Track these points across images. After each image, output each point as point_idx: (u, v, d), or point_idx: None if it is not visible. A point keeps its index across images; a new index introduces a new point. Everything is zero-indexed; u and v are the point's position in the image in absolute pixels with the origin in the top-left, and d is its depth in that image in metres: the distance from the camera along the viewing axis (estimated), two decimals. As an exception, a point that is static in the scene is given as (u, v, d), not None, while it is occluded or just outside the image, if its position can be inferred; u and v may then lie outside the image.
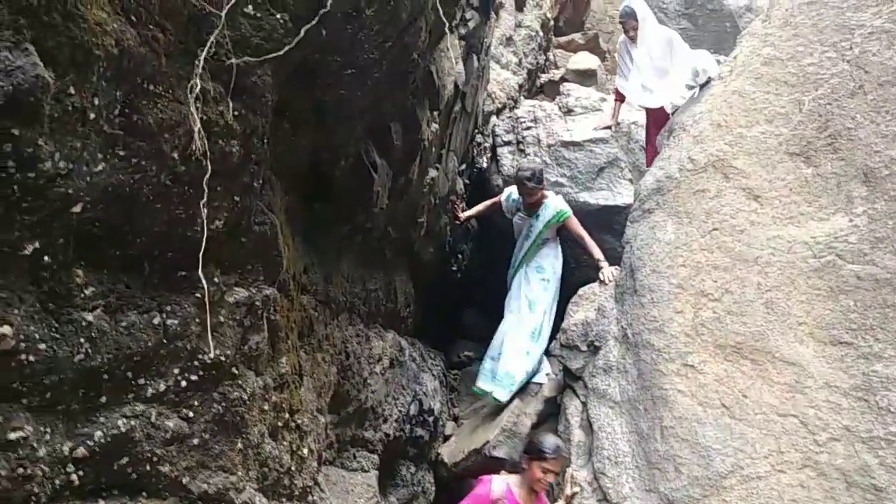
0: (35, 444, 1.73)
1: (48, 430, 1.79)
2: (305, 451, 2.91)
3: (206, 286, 2.05)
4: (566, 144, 6.98)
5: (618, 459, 4.09)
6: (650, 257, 4.29)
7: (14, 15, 1.43)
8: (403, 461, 5.24)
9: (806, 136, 3.98)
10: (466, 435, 6.01)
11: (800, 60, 4.26)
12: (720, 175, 4.20)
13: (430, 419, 5.64)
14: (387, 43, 2.84)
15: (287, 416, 2.76)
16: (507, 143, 7.30)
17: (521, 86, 8.90)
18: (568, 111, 7.37)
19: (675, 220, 4.28)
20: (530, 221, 5.85)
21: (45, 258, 1.70)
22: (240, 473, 2.38)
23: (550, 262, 5.84)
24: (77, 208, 1.72)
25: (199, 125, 1.84)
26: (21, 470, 1.68)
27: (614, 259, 5.19)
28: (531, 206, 5.79)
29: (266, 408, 2.58)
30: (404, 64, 3.18)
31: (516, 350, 5.57)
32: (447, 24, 3.70)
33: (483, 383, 5.71)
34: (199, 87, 1.85)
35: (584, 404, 4.64)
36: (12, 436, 1.67)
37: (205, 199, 1.97)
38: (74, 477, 1.88)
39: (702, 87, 5.17)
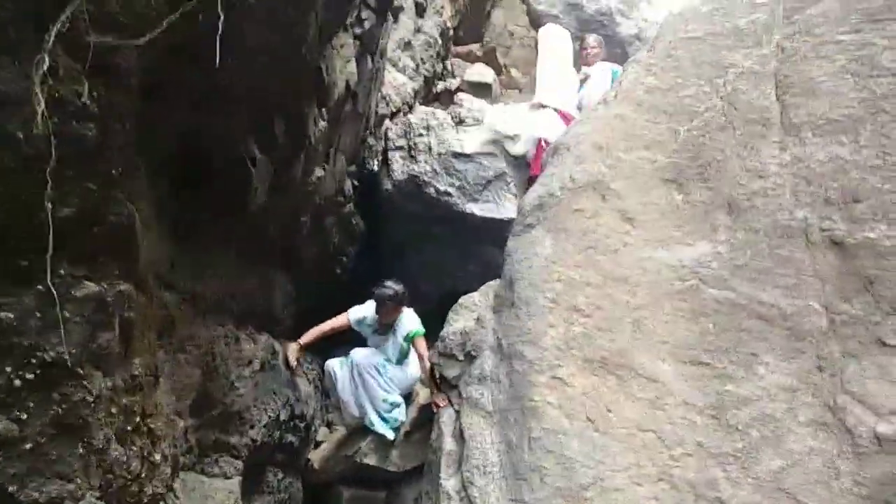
0: None
1: None
2: (158, 456, 2.74)
3: (49, 276, 1.86)
4: (457, 155, 7.04)
5: (487, 469, 4.12)
6: (528, 271, 4.37)
7: None
8: (271, 467, 5.08)
9: (679, 164, 4.19)
10: (338, 441, 5.92)
11: (678, 92, 4.48)
12: (598, 196, 4.33)
13: (302, 425, 5.51)
14: (272, 34, 2.73)
15: (138, 419, 2.59)
16: (399, 148, 7.29)
17: (416, 91, 8.90)
18: (460, 121, 7.44)
19: (553, 237, 4.38)
20: (387, 338, 5.88)
21: None
22: (79, 481, 2.19)
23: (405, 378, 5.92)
24: None
25: (42, 104, 1.68)
26: None
27: (498, 271, 5.26)
28: (385, 324, 5.83)
29: (114, 410, 2.40)
30: (291, 57, 3.07)
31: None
32: (341, 22, 3.62)
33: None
34: (47, 63, 1.68)
35: (458, 413, 4.66)
36: None
37: (49, 184, 1.80)
38: None
39: None
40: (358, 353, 5.75)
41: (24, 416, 2.05)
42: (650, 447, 3.52)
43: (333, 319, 5.89)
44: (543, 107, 7.22)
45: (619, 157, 4.41)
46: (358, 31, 4.80)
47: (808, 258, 3.45)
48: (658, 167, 4.25)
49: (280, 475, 5.22)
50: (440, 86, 10.30)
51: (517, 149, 7.14)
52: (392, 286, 5.72)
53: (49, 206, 1.90)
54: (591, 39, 8.07)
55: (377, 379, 5.65)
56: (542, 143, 6.94)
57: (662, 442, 3.49)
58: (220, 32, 2.24)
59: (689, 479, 3.34)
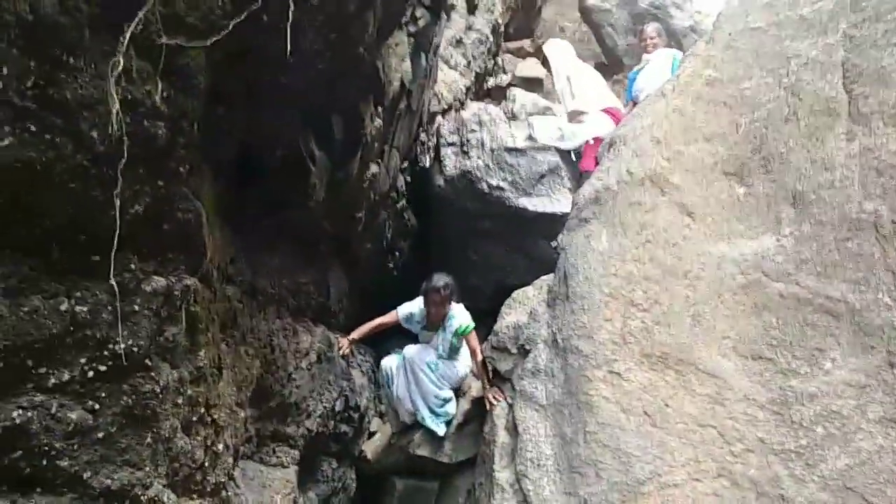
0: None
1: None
2: (221, 446, 2.80)
3: (111, 272, 1.92)
4: (509, 150, 7.02)
5: (540, 462, 4.12)
6: (584, 265, 4.34)
7: None
8: (326, 457, 5.16)
9: (741, 157, 4.10)
10: (391, 433, 5.98)
11: (739, 84, 4.38)
12: (656, 189, 4.28)
13: (356, 415, 5.58)
14: (332, 34, 2.76)
15: (203, 410, 2.65)
16: (452, 144, 7.31)
17: (468, 88, 8.91)
18: (513, 116, 7.42)
19: (609, 231, 4.34)
20: (437, 334, 5.86)
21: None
22: (147, 469, 2.26)
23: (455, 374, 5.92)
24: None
25: (117, 105, 1.74)
26: None
27: (550, 265, 5.23)
28: (434, 320, 5.81)
29: (180, 401, 2.46)
30: (349, 56, 3.11)
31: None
32: (397, 21, 3.65)
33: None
34: (121, 64, 1.74)
35: (511, 406, 4.66)
36: None
37: (120, 182, 1.86)
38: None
39: None
40: (410, 350, 5.79)
41: (97, 406, 2.12)
42: (710, 443, 3.46)
43: (383, 316, 5.94)
44: (582, 112, 7.25)
45: (679, 150, 4.34)
46: (412, 29, 4.82)
47: (879, 251, 3.34)
48: (719, 160, 4.17)
49: (335, 465, 5.30)
50: (491, 82, 10.28)
51: (566, 144, 7.13)
52: (439, 278, 5.74)
53: (118, 203, 1.95)
54: (650, 29, 7.90)
55: (429, 375, 5.68)
56: (590, 140, 6.92)
57: (723, 438, 3.43)
58: (287, 34, 2.26)
59: (751, 475, 3.28)
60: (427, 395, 5.67)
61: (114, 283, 2.04)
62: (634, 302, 4.01)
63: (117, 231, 1.97)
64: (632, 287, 4.06)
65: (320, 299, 4.67)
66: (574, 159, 7.23)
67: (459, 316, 5.73)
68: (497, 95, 9.77)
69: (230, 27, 2.08)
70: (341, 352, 5.42)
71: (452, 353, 5.80)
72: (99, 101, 1.81)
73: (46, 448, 1.96)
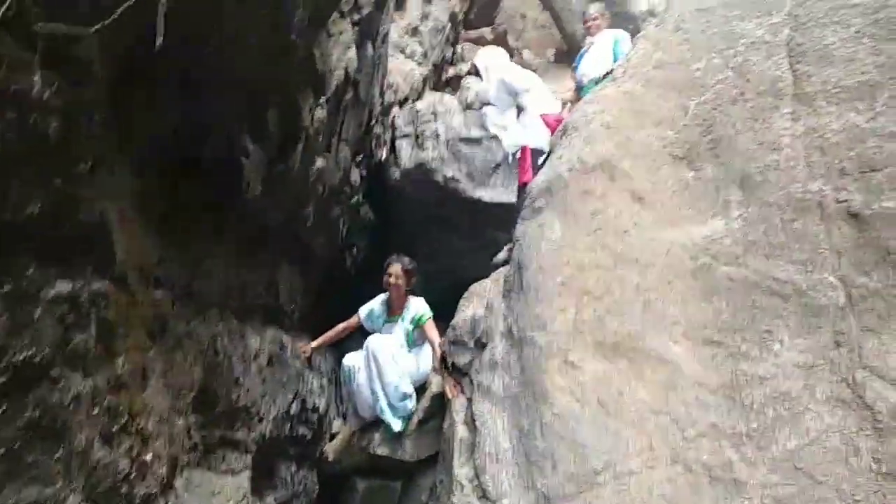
0: None
1: None
2: (149, 456, 2.68)
3: None
4: (464, 140, 6.95)
5: (498, 456, 4.05)
6: (537, 255, 4.28)
7: None
8: (284, 460, 5.04)
9: (690, 141, 4.07)
10: (351, 432, 5.88)
11: (688, 65, 4.35)
12: (606, 176, 4.23)
13: (315, 417, 5.48)
14: (255, 18, 2.64)
15: (125, 419, 2.52)
16: (406, 136, 7.22)
17: (426, 78, 8.81)
18: (467, 106, 7.34)
19: (562, 220, 4.29)
20: (395, 325, 5.84)
21: None
22: (60, 484, 2.13)
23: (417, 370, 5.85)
24: None
25: None
26: None
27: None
28: (395, 305, 5.80)
29: (96, 412, 2.33)
30: (279, 43, 2.98)
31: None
32: (333, 7, 3.53)
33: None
34: None
35: (470, 401, 4.60)
36: None
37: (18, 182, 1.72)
38: None
39: None
40: (374, 340, 5.70)
41: None
42: (663, 430, 3.42)
43: (345, 322, 5.95)
44: (522, 109, 7.07)
45: (628, 136, 4.30)
46: (356, 17, 4.71)
47: (824, 231, 3.32)
48: (668, 144, 4.13)
49: (293, 468, 5.19)
50: (451, 71, 10.20)
51: (506, 141, 6.97)
52: (395, 256, 5.78)
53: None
54: (592, 9, 7.82)
55: (391, 364, 5.58)
56: (518, 153, 6.78)
57: (676, 424, 3.39)
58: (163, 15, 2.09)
59: (704, 461, 3.24)
60: (388, 385, 5.56)
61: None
62: (587, 291, 3.96)
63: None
64: (584, 276, 4.01)
65: (269, 300, 4.54)
66: (510, 161, 7.06)
67: (416, 306, 5.69)
68: (456, 85, 9.68)
69: (117, 13, 1.93)
70: (304, 354, 5.38)
71: (412, 343, 5.73)
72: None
73: None
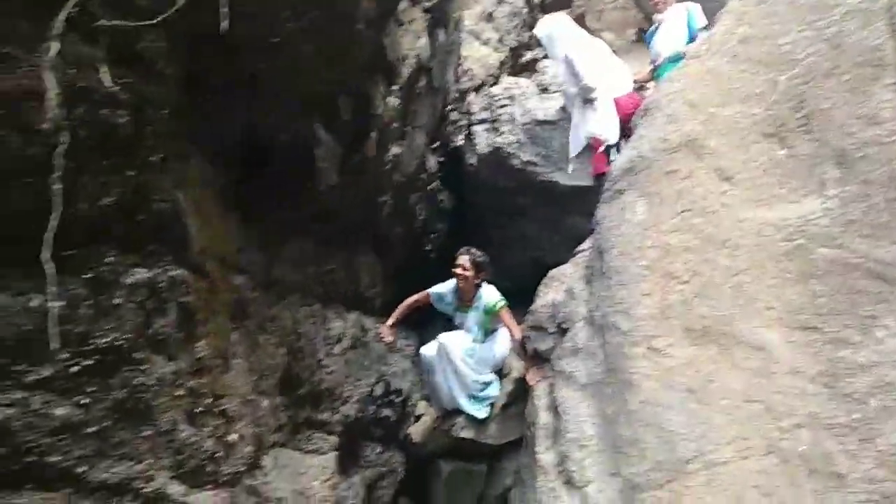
0: None
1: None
2: (234, 436, 2.78)
3: (52, 266, 1.84)
4: (541, 123, 6.85)
5: (583, 443, 4.02)
6: (619, 239, 4.20)
7: None
8: (369, 442, 5.16)
9: (780, 117, 3.89)
10: (436, 416, 5.94)
11: (776, 39, 4.15)
12: (692, 155, 4.10)
13: (398, 400, 5.56)
14: (315, 10, 2.64)
15: (209, 400, 2.62)
16: (483, 122, 7.17)
17: (502, 63, 8.72)
18: (544, 89, 7.23)
19: (645, 201, 4.18)
20: (468, 314, 5.78)
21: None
22: (148, 461, 2.24)
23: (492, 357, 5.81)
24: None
25: (54, 91, 1.67)
26: None
27: (584, 239, 5.10)
28: (465, 297, 5.73)
29: (180, 393, 2.43)
30: (343, 34, 2.99)
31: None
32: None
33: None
34: (54, 49, 1.67)
35: (552, 386, 4.57)
36: None
37: (59, 172, 1.78)
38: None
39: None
40: (446, 338, 5.69)
41: (86, 401, 2.09)
42: (757, 419, 3.31)
43: (416, 295, 5.85)
44: (590, 101, 6.47)
45: (714, 114, 4.15)
46: (427, 4, 4.68)
47: (932, 209, 3.13)
48: (757, 121, 3.96)
49: (378, 449, 5.29)
50: (528, 55, 10.05)
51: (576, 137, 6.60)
52: (465, 248, 5.69)
53: (58, 188, 1.86)
54: None
55: (467, 362, 5.60)
56: (595, 140, 6.38)
57: (770, 413, 3.28)
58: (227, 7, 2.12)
59: (802, 452, 3.12)
60: (466, 383, 5.59)
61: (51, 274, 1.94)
62: (673, 274, 3.86)
63: (58, 220, 1.88)
64: (670, 259, 3.90)
65: (350, 286, 4.62)
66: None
67: (488, 294, 5.65)
68: (534, 69, 9.55)
69: (180, 3, 1.96)
70: (384, 339, 5.41)
71: (486, 334, 5.72)
72: (45, 89, 1.75)
73: (32, 444, 1.94)
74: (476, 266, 5.59)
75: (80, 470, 2.07)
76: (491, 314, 5.62)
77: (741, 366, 3.45)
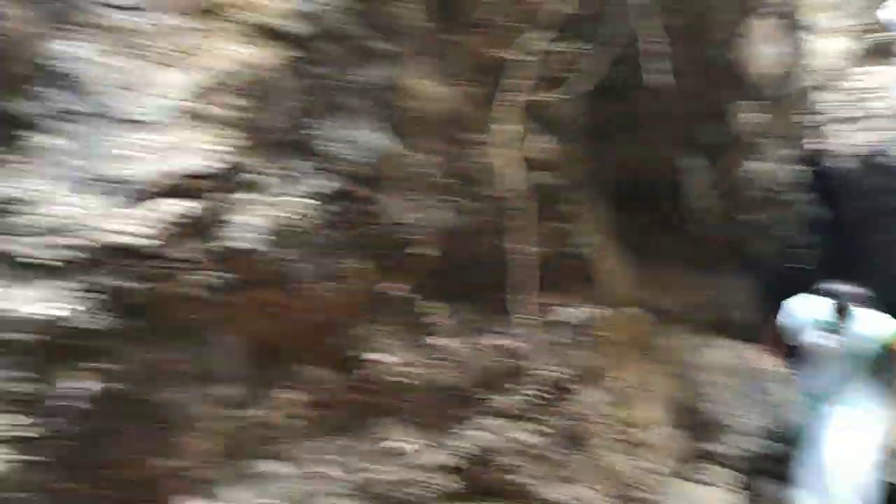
0: (411, 453, 1.99)
1: (419, 441, 2.06)
2: (647, 464, 2.88)
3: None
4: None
5: None
6: None
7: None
8: (766, 478, 4.83)
9: None
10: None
11: None
12: None
13: (792, 434, 5.14)
14: (677, 40, 2.75)
15: (627, 429, 2.77)
16: (838, 120, 6.54)
17: (853, 54, 7.92)
18: (903, 77, 6.34)
19: None
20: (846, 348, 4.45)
21: (413, 295, 2.00)
22: (585, 486, 2.44)
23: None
24: (427, 249, 1.99)
25: (501, 164, 1.99)
26: (402, 474, 1.96)
27: None
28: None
29: (608, 423, 2.62)
30: (699, 58, 3.04)
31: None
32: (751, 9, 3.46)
33: None
34: (499, 127, 2.00)
35: None
36: (392, 444, 1.96)
37: (530, 228, 2.11)
38: (449, 483, 2.12)
39: None
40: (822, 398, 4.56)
41: (540, 428, 2.38)
42: None
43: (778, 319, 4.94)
44: None
45: None
46: (767, 10, 4.49)
47: None
48: None
49: (778, 488, 4.93)
50: (874, 42, 8.95)
51: None
52: (842, 287, 4.54)
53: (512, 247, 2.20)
54: None
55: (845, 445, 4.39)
56: None
57: None
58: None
59: None
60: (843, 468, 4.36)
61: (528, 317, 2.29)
62: None
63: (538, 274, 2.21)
64: None
65: (724, 312, 4.50)
66: None
67: (877, 324, 4.42)
68: (888, 53, 8.47)
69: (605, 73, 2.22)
70: (769, 367, 4.90)
71: (872, 372, 4.68)
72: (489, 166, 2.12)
73: (507, 465, 2.27)
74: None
75: (536, 489, 2.36)
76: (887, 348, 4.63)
77: None
